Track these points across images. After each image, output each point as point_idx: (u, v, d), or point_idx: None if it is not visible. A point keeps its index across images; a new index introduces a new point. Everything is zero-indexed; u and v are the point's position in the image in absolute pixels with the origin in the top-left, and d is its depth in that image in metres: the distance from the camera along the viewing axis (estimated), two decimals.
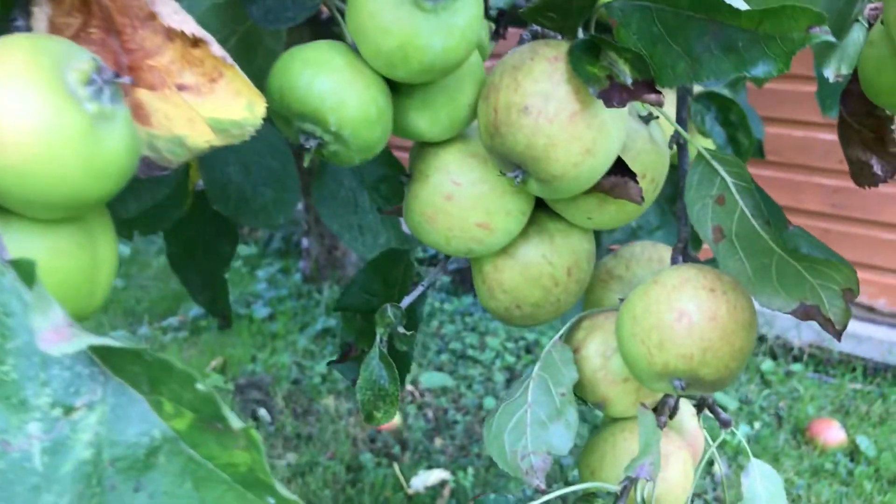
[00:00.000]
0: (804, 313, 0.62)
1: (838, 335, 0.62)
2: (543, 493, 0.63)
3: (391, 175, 0.88)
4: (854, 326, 2.79)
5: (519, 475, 0.63)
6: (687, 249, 0.69)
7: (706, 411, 0.75)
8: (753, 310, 0.61)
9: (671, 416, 0.75)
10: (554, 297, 0.66)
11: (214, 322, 3.08)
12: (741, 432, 2.35)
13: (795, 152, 2.79)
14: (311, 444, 2.32)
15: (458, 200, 0.59)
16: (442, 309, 3.28)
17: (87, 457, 0.33)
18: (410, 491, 2.09)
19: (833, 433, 2.37)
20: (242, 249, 4.02)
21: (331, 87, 0.50)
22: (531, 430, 0.64)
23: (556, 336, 0.69)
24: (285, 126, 0.54)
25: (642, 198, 0.58)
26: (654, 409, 0.71)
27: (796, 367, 2.80)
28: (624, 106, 0.49)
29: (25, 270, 0.32)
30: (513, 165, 0.55)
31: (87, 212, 0.40)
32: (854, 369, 2.79)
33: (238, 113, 0.44)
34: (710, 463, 0.73)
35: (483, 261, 0.66)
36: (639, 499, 0.61)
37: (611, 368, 0.68)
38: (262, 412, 2.49)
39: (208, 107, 0.44)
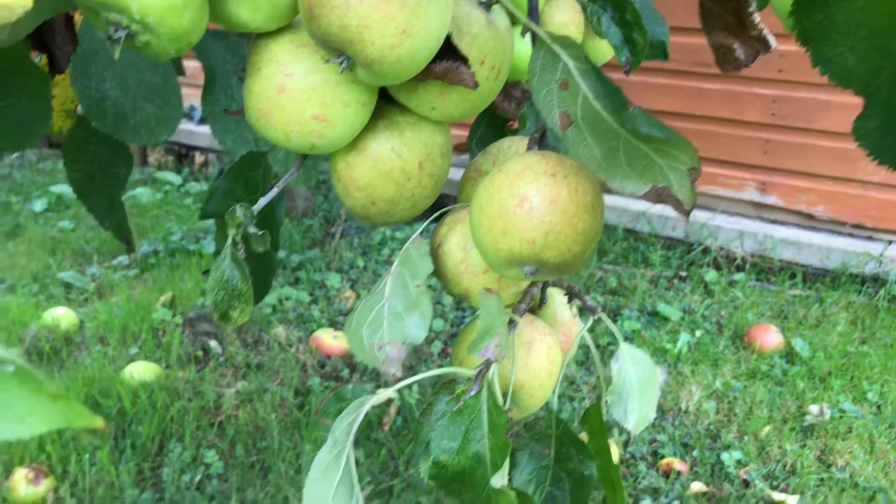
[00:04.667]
0: (657, 196, 0.63)
1: (687, 214, 0.63)
2: (398, 381, 0.64)
3: None
4: (794, 233, 2.85)
5: (377, 365, 0.64)
6: (544, 138, 0.69)
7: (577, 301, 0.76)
8: (598, 192, 0.61)
9: (540, 305, 0.76)
10: (408, 191, 0.66)
11: (164, 259, 3.07)
12: (682, 340, 2.41)
13: None
14: (261, 372, 2.35)
15: (290, 93, 0.58)
16: (393, 237, 3.29)
17: None
18: None
19: (770, 337, 2.44)
20: (193, 186, 3.97)
21: None
22: (388, 322, 0.65)
23: (416, 233, 0.69)
24: (96, 19, 0.52)
25: (476, 83, 0.58)
26: (521, 301, 0.72)
27: (739, 276, 2.86)
28: None
29: None
30: (335, 51, 0.54)
31: None
32: (794, 276, 2.85)
33: None
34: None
35: (336, 158, 0.66)
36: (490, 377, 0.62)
37: (471, 261, 0.68)
38: (213, 344, 2.50)
39: None
